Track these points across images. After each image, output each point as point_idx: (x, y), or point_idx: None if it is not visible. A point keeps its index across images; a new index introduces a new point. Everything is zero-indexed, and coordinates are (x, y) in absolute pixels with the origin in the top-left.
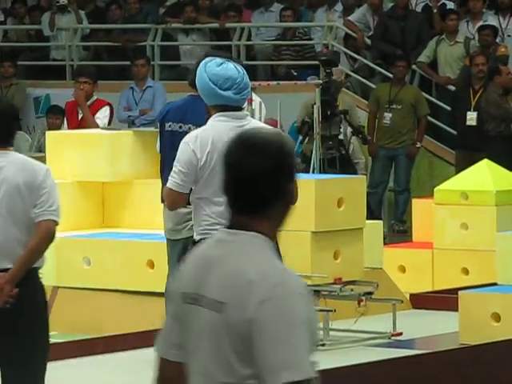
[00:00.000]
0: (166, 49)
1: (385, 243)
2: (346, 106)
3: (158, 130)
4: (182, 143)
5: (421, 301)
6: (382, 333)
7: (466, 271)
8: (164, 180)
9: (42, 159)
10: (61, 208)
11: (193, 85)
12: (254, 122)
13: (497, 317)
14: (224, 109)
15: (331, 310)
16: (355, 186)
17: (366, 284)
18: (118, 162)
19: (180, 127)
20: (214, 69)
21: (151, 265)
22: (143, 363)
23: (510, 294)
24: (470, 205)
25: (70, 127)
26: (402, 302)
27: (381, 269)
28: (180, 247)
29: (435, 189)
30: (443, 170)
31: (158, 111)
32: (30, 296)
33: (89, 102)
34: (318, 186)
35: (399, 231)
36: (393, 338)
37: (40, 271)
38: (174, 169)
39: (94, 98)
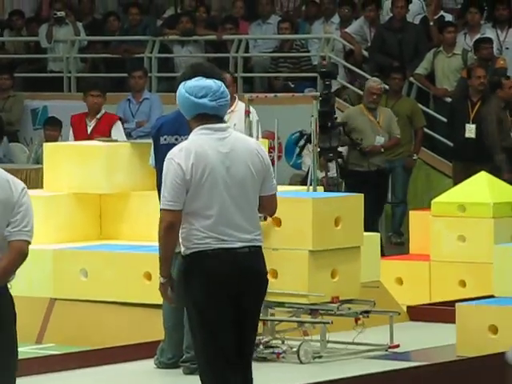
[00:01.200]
0: (162, 61)
1: (382, 255)
2: (345, 118)
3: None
4: (166, 160)
5: (418, 313)
6: (380, 345)
7: (463, 283)
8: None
9: (40, 171)
10: (34, 227)
11: None
12: (235, 133)
13: (494, 329)
14: (203, 118)
15: (328, 322)
16: (352, 205)
17: (363, 302)
18: (115, 173)
19: (176, 139)
20: (190, 83)
21: (148, 277)
22: (141, 375)
23: (507, 306)
24: (468, 217)
25: (77, 139)
26: (399, 314)
27: (378, 281)
28: None
29: (432, 201)
30: (440, 182)
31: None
32: (1, 312)
33: (99, 115)
34: (316, 204)
35: (397, 243)
36: (390, 350)
37: (10, 283)
38: (162, 190)
39: (103, 111)
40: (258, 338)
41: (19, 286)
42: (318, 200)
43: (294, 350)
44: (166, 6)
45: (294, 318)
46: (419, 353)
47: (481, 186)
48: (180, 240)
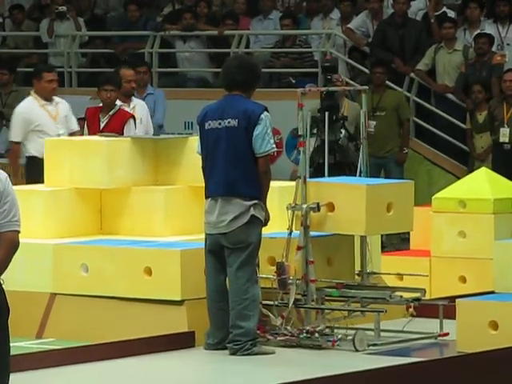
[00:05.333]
0: (163, 56)
1: (384, 251)
2: (355, 113)
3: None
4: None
5: (417, 308)
6: (430, 333)
7: (463, 279)
8: (207, 178)
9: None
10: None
11: (230, 86)
12: None
13: (494, 325)
14: None
15: (382, 311)
16: (404, 191)
17: (413, 290)
18: (116, 168)
19: (219, 124)
20: None
21: (149, 272)
22: (141, 370)
23: (507, 302)
24: (468, 213)
25: (91, 133)
26: (454, 302)
27: (378, 275)
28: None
29: (433, 197)
30: (441, 177)
31: (159, 118)
32: None
33: (112, 112)
34: (369, 191)
35: (403, 239)
36: (440, 338)
37: (2, 279)
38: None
39: (117, 107)
40: (312, 326)
41: (19, 280)
42: (372, 186)
43: (350, 338)
44: (165, 3)
45: (347, 307)
46: (419, 349)
47: (481, 182)
48: None
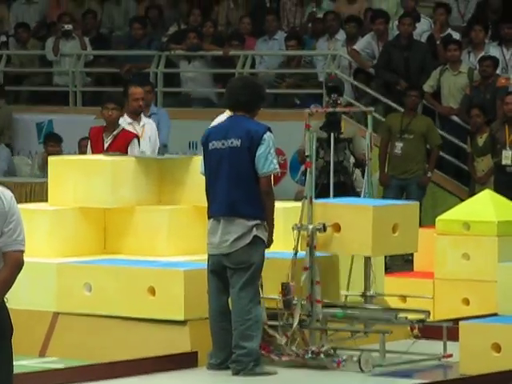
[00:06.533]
0: (168, 76)
1: (387, 272)
2: (350, 134)
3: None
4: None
5: (421, 330)
6: (433, 354)
7: (466, 301)
8: (210, 198)
9: (45, 184)
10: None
11: (235, 106)
12: None
13: (497, 347)
14: None
15: (388, 332)
16: (409, 212)
17: (417, 312)
18: (120, 188)
19: (223, 144)
20: None
21: (152, 291)
22: None
23: (510, 324)
24: (472, 235)
25: (95, 153)
26: (457, 324)
27: (382, 297)
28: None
29: (437, 218)
30: (446, 200)
31: (163, 138)
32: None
33: (115, 132)
34: (376, 212)
35: (406, 260)
36: (443, 359)
37: (6, 297)
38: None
39: (121, 127)
40: (317, 346)
41: (23, 299)
42: (378, 207)
43: (355, 359)
44: (171, 23)
45: (352, 328)
46: (421, 370)
47: (485, 204)
48: None
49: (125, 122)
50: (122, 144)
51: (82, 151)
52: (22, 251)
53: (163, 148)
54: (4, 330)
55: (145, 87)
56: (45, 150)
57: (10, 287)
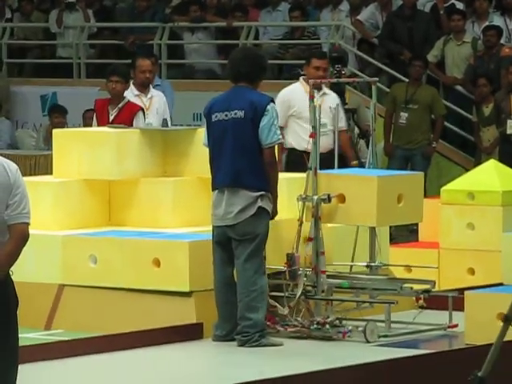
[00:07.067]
0: (171, 47)
1: (392, 242)
2: (355, 105)
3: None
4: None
5: (426, 300)
6: (439, 325)
7: (472, 271)
8: (214, 169)
9: (49, 157)
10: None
11: (236, 78)
12: None
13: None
14: None
15: (393, 302)
16: (414, 183)
17: (423, 282)
18: (124, 160)
19: (226, 115)
20: None
21: (157, 263)
22: (148, 361)
23: None
24: (477, 205)
25: (100, 125)
26: (462, 294)
27: (387, 268)
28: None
29: (442, 189)
30: (450, 170)
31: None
32: (5, 297)
33: (120, 104)
34: (380, 182)
35: (411, 231)
36: (449, 329)
37: (11, 270)
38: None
39: (126, 99)
40: (323, 317)
41: (28, 272)
42: (383, 178)
43: (360, 329)
44: None
45: (357, 298)
46: (427, 340)
47: (490, 174)
48: None
49: (131, 93)
50: (127, 116)
51: (87, 123)
52: (28, 224)
53: (164, 121)
54: (9, 303)
55: (150, 58)
56: (50, 121)
57: (16, 260)
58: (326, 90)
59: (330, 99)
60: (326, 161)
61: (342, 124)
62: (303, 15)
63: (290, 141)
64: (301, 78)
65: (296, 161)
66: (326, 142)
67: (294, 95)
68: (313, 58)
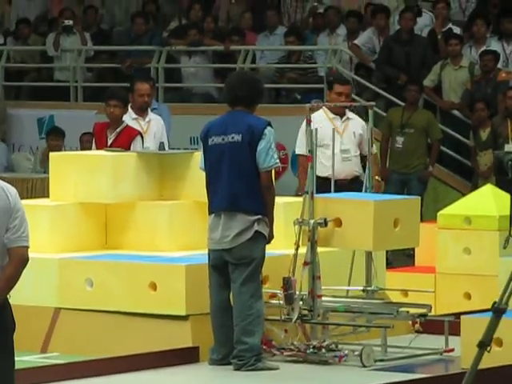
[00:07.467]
0: (168, 71)
1: (389, 266)
2: None
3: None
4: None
5: (423, 324)
6: (435, 349)
7: (468, 296)
8: (211, 193)
9: (46, 180)
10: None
11: (233, 102)
12: None
13: (499, 342)
14: None
15: (389, 326)
16: (410, 207)
17: (419, 306)
18: (121, 183)
19: (223, 139)
20: None
21: (153, 287)
22: None
23: None
24: (473, 229)
25: (98, 149)
26: (459, 319)
27: (383, 292)
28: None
29: (438, 213)
30: (447, 194)
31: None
32: (3, 321)
33: (119, 129)
34: (377, 206)
35: (408, 255)
36: (445, 354)
37: (9, 294)
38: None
39: (124, 124)
40: (319, 341)
41: (24, 295)
42: (379, 202)
43: (357, 353)
44: (172, 18)
45: (353, 323)
46: (423, 365)
47: (487, 199)
48: None
49: (129, 117)
50: (125, 141)
51: (84, 146)
52: (27, 247)
53: (161, 145)
54: (7, 326)
55: (148, 82)
56: (47, 144)
57: (16, 283)
58: (350, 114)
59: (354, 124)
60: (348, 188)
61: (372, 148)
62: (299, 40)
63: (321, 168)
64: (324, 107)
65: (318, 187)
66: (349, 169)
67: (315, 123)
68: (335, 84)
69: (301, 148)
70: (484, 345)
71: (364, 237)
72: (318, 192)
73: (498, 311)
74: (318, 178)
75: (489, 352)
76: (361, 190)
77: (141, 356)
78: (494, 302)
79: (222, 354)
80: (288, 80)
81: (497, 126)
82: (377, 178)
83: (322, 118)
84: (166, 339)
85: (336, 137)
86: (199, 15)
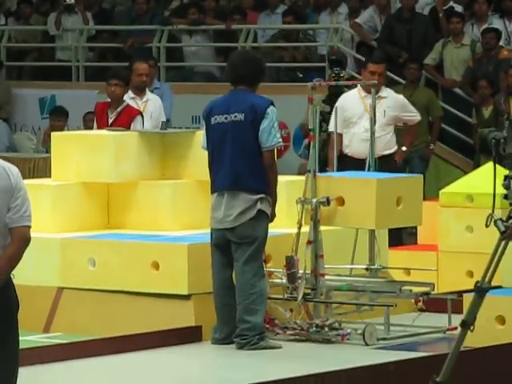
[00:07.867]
0: (170, 50)
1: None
2: None
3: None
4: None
5: (426, 303)
6: (438, 327)
7: (470, 274)
8: (213, 172)
9: (48, 160)
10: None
11: (235, 81)
12: None
13: (501, 320)
14: None
15: (392, 305)
16: (413, 185)
17: (422, 285)
18: (123, 163)
19: (225, 118)
20: None
21: (156, 266)
22: (147, 364)
23: None
24: (476, 207)
25: (99, 128)
26: (461, 297)
27: (386, 271)
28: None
29: (441, 191)
30: (449, 172)
31: (166, 112)
32: (7, 300)
33: (119, 108)
34: (380, 185)
35: (410, 233)
36: (448, 332)
37: (12, 273)
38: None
39: (125, 103)
40: (322, 320)
41: (27, 275)
42: (382, 180)
43: (359, 332)
44: None
45: (356, 301)
46: (425, 343)
47: (489, 177)
48: None
49: (128, 96)
50: (126, 120)
51: (87, 126)
52: (29, 227)
53: (166, 123)
54: (11, 306)
55: (148, 62)
56: (50, 123)
57: (18, 262)
58: (383, 92)
59: (387, 102)
60: (380, 166)
61: (414, 114)
62: (296, 19)
63: (345, 146)
64: (358, 85)
65: (343, 164)
66: (378, 146)
67: (346, 101)
68: (368, 63)
69: (330, 126)
70: (467, 324)
71: (367, 215)
72: (342, 169)
73: (481, 290)
74: (345, 156)
75: (472, 331)
76: (385, 170)
77: (143, 335)
78: (477, 282)
79: (225, 333)
80: (290, 59)
81: (499, 103)
82: (403, 149)
83: (354, 97)
84: (168, 318)
85: (364, 115)
86: None
